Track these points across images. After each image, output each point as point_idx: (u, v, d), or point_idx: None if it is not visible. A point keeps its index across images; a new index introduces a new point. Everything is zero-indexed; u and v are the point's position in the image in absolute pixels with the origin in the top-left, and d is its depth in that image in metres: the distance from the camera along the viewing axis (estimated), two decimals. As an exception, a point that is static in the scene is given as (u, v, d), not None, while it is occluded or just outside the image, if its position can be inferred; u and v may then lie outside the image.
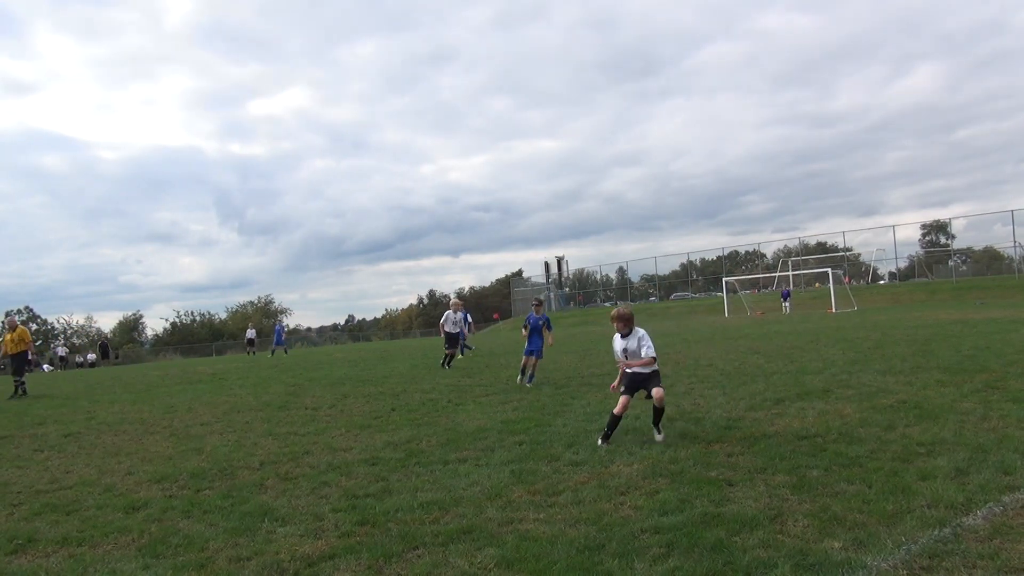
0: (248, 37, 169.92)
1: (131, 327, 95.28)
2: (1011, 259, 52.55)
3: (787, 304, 46.98)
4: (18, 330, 18.80)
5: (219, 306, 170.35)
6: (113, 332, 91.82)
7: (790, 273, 55.54)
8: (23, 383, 18.63)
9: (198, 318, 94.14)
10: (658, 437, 7.21)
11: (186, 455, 8.29)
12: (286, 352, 38.02)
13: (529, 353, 12.77)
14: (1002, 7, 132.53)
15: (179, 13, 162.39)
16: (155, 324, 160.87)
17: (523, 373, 12.96)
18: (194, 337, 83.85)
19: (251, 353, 41.36)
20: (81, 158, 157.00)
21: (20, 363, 18.79)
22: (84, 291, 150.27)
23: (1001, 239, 59.78)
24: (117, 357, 64.85)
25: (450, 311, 18.17)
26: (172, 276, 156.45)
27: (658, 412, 7.25)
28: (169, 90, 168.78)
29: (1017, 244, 50.48)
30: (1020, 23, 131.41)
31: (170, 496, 6.36)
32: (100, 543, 5.14)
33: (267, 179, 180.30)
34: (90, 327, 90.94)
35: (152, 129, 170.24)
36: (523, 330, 13.08)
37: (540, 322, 12.97)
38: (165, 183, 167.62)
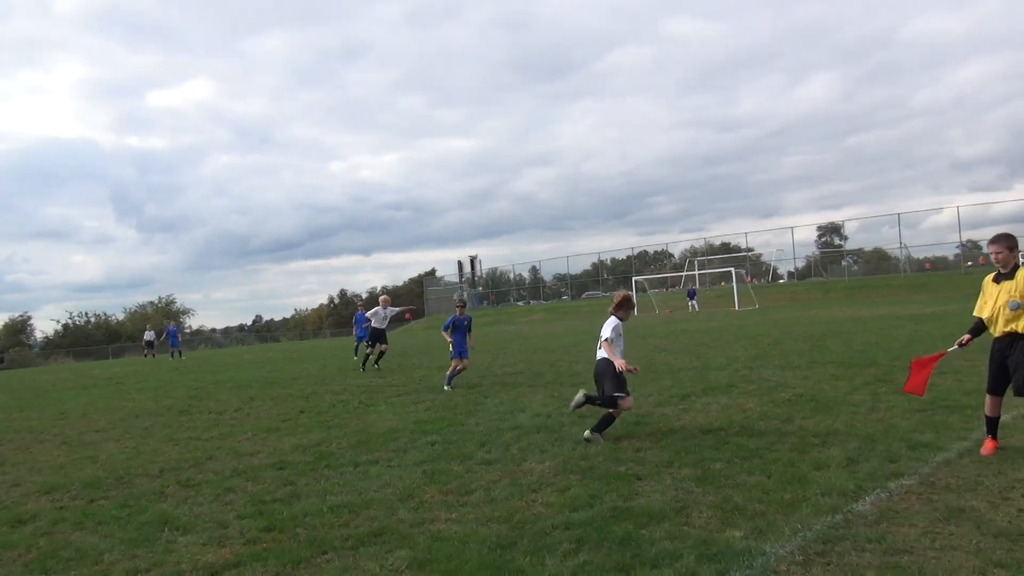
0: (147, 25, 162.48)
1: (18, 329, 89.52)
2: (898, 259, 55.86)
3: (693, 303, 48.42)
4: None
5: (116, 307, 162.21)
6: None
7: (696, 272, 57.33)
8: None
9: (92, 319, 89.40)
10: (600, 440, 6.95)
11: (79, 464, 7.87)
12: (181, 355, 36.17)
13: (458, 355, 12.40)
14: (890, 22, 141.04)
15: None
16: (45, 326, 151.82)
17: (452, 378, 12.33)
18: (88, 340, 79.40)
19: (150, 356, 39.53)
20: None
21: None
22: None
23: (889, 240, 63.49)
24: (2, 361, 60.91)
25: (379, 307, 17.76)
26: (63, 275, 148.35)
27: (613, 420, 7.20)
28: (61, 79, 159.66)
29: (903, 245, 53.75)
30: (904, 38, 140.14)
31: (61, 508, 6.01)
32: (-18, 560, 4.81)
33: (168, 174, 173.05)
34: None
35: (42, 120, 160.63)
36: (445, 333, 12.60)
37: (465, 323, 12.64)
38: (56, 177, 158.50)
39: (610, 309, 7.37)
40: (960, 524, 4.21)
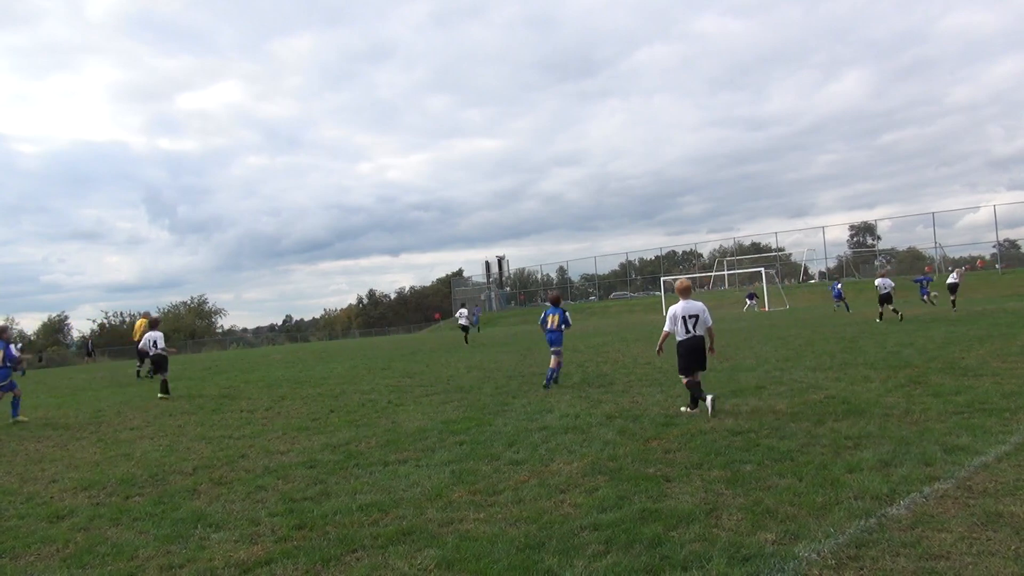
0: (177, 28, 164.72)
1: (56, 329, 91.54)
2: (932, 259, 54.86)
3: (753, 303, 47.24)
4: None
5: (150, 307, 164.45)
6: (36, 334, 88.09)
7: (725, 272, 56.81)
8: None
9: (127, 319, 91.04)
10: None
11: (115, 461, 8.02)
12: (479, 330, 41.57)
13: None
14: (924, 17, 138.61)
15: (104, 1, 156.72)
16: (81, 325, 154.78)
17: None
18: (124, 339, 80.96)
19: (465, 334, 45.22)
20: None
21: None
22: (3, 291, 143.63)
23: (923, 240, 62.33)
24: (40, 360, 62.20)
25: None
26: (98, 276, 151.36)
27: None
28: (93, 82, 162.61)
29: (938, 245, 52.78)
30: (939, 33, 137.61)
31: (97, 504, 6.14)
32: (22, 554, 4.93)
33: (199, 176, 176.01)
34: (11, 329, 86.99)
35: (75, 122, 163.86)
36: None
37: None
38: (89, 179, 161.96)
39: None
40: (998, 529, 4.12)
